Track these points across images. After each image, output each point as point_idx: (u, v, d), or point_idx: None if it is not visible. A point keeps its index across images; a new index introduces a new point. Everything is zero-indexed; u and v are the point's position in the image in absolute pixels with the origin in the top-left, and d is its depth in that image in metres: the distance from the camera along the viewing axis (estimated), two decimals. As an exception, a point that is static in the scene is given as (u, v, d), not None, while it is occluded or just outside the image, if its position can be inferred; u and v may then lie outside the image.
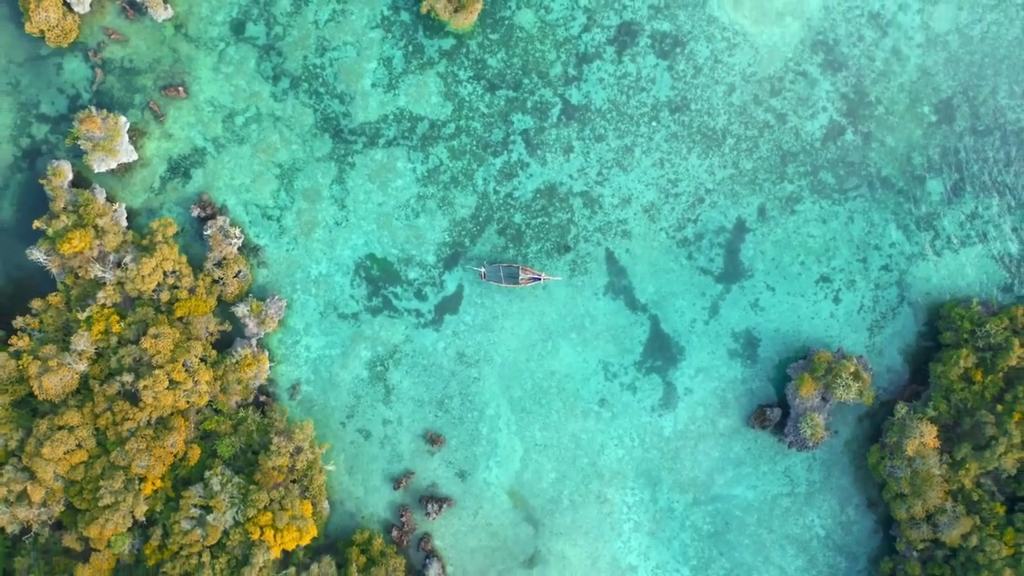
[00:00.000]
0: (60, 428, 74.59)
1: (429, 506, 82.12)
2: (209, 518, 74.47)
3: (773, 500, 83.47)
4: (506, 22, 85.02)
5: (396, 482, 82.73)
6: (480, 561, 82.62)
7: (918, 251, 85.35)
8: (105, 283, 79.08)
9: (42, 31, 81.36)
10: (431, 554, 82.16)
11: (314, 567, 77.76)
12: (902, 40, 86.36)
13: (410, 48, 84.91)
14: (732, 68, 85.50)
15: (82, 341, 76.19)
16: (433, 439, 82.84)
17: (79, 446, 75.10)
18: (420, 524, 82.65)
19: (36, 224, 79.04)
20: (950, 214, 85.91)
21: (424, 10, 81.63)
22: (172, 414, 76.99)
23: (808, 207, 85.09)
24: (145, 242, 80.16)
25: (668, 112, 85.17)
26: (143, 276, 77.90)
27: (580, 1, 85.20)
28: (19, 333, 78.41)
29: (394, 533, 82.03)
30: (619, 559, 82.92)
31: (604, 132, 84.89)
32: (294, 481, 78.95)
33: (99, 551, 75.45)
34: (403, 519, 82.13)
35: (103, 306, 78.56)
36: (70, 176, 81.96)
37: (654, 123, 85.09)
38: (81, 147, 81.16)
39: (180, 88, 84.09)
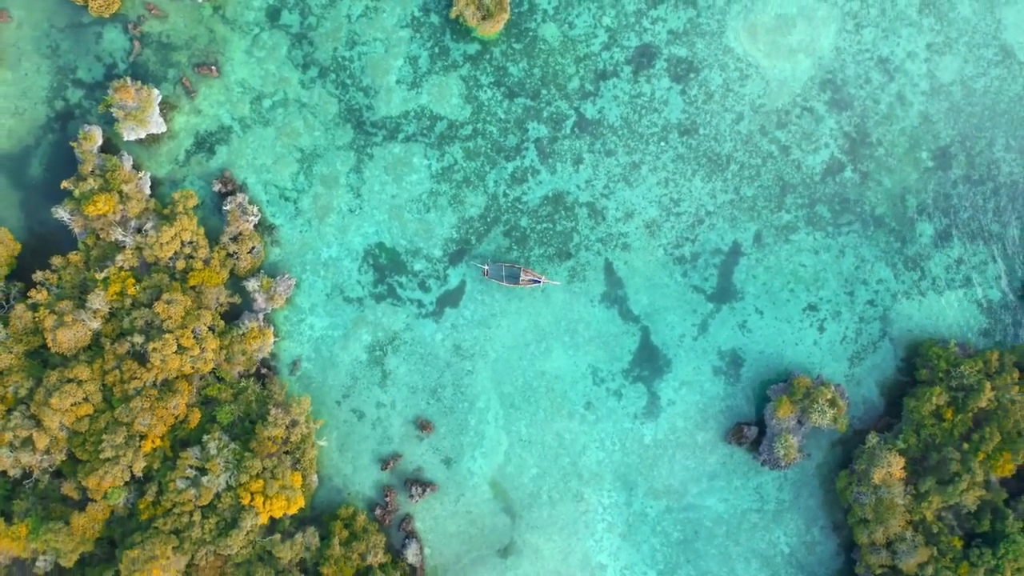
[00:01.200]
0: (69, 381, 77.86)
1: (413, 489, 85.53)
2: (203, 480, 77.84)
3: (742, 514, 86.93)
4: (530, 34, 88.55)
5: (384, 463, 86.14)
6: (457, 546, 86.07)
7: (903, 289, 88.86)
8: (124, 247, 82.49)
9: (86, 0, 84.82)
10: (411, 535, 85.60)
11: (298, 536, 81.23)
12: (907, 86, 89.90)
13: (436, 50, 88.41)
14: (742, 98, 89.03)
15: (98, 300, 79.58)
16: (423, 425, 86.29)
17: (86, 399, 78.39)
18: (403, 505, 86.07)
19: (64, 184, 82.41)
20: (937, 257, 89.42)
21: (453, 15, 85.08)
22: (177, 378, 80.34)
23: (802, 237, 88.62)
24: (166, 211, 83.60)
25: (677, 134, 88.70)
26: (161, 244, 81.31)
27: (603, 20, 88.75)
28: (38, 287, 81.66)
29: (377, 511, 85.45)
30: (590, 557, 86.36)
31: (614, 147, 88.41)
32: (287, 452, 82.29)
33: (95, 501, 78.69)
34: (387, 499, 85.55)
35: (120, 269, 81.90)
36: (100, 141, 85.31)
37: (663, 143, 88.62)
38: (113, 115, 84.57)
39: (213, 67, 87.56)
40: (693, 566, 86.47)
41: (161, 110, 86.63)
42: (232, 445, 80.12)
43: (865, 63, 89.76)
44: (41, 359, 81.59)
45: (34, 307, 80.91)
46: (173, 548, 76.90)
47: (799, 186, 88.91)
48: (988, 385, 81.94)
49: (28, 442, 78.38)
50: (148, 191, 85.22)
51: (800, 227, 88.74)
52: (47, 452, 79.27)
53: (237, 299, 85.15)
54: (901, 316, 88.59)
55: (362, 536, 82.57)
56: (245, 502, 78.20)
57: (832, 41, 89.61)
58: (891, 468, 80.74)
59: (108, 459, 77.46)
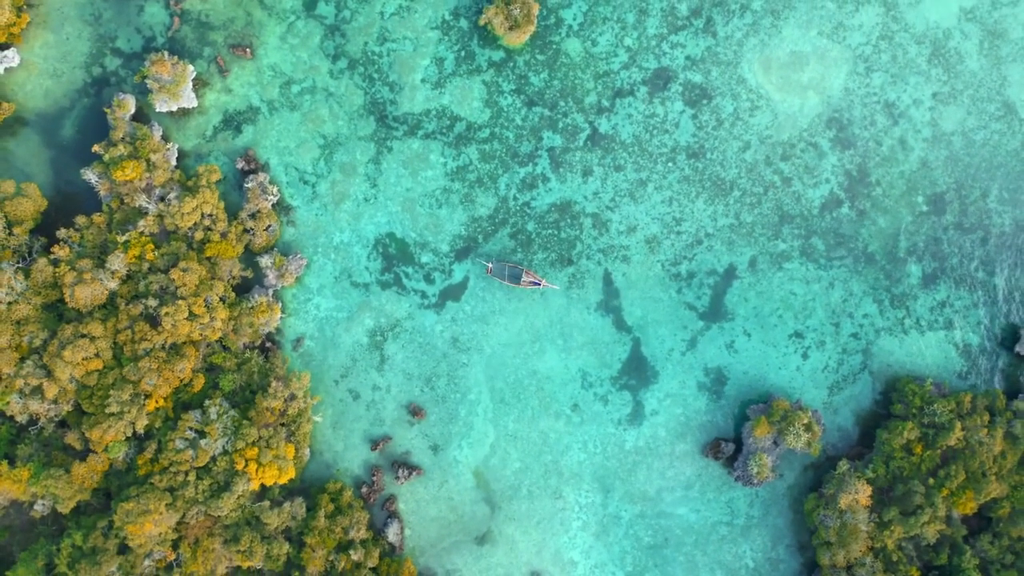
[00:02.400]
0: (83, 336, 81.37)
1: (400, 471, 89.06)
2: (201, 442, 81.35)
3: (712, 526, 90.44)
4: (554, 47, 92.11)
5: (374, 444, 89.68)
6: (436, 530, 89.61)
7: (887, 326, 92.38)
8: (147, 213, 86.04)
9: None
10: (393, 515, 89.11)
11: (286, 505, 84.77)
12: (910, 132, 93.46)
13: (463, 53, 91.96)
14: (751, 127, 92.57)
15: (117, 262, 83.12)
16: (415, 411, 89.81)
17: (97, 355, 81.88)
18: (388, 486, 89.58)
19: (95, 148, 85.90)
20: (923, 298, 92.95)
21: (482, 22, 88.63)
22: (185, 343, 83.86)
23: (795, 267, 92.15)
24: (190, 183, 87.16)
25: (685, 156, 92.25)
26: (183, 214, 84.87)
27: (625, 41, 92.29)
28: (61, 243, 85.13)
29: (363, 490, 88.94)
30: (562, 552, 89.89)
31: (624, 163, 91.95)
32: (283, 424, 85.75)
33: (96, 453, 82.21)
34: (374, 478, 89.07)
35: (141, 234, 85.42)
36: (132, 110, 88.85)
37: (670, 164, 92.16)
38: (147, 86, 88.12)
39: (247, 49, 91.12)
40: (660, 571, 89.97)
41: (194, 86, 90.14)
42: (232, 412, 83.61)
43: (872, 106, 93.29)
44: (57, 313, 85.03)
45: (55, 262, 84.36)
46: (166, 505, 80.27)
47: (797, 217, 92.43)
48: (958, 425, 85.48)
49: (38, 391, 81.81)
50: (174, 162, 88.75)
51: (794, 257, 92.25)
52: (55, 402, 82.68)
53: (249, 273, 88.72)
54: (883, 351, 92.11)
55: (347, 511, 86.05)
56: (239, 468, 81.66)
57: (842, 82, 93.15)
58: (858, 495, 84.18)
59: (113, 414, 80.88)
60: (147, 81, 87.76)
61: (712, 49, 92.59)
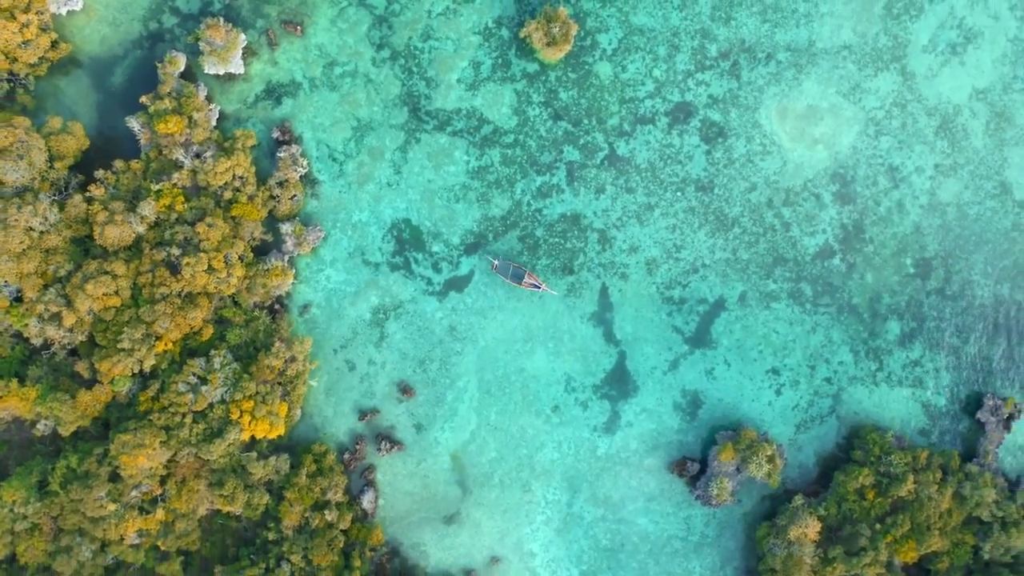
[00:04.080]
0: (105, 272, 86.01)
1: (382, 444, 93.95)
2: (202, 389, 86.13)
3: (667, 539, 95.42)
4: (586, 67, 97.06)
5: (362, 415, 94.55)
6: (408, 504, 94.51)
7: (860, 376, 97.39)
8: (182, 167, 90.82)
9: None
10: (370, 484, 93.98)
11: (272, 459, 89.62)
12: (908, 197, 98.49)
13: (499, 60, 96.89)
14: (759, 170, 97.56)
15: (148, 208, 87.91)
16: (405, 390, 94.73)
17: (116, 293, 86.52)
18: (370, 456, 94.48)
19: (143, 99, 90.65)
20: (898, 354, 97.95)
21: (522, 35, 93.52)
22: (200, 293, 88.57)
23: (782, 307, 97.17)
24: (226, 144, 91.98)
25: (694, 188, 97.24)
26: (216, 172, 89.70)
27: (653, 72, 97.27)
28: (97, 183, 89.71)
29: (345, 456, 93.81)
30: (523, 543, 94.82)
31: (635, 186, 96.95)
32: (280, 384, 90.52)
33: (102, 384, 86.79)
34: (357, 447, 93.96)
35: (174, 185, 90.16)
36: (182, 68, 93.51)
37: (679, 193, 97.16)
38: (199, 47, 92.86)
39: (298, 27, 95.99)
40: (612, 574, 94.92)
41: (243, 54, 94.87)
42: (234, 365, 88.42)
43: (876, 167, 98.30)
44: (84, 248, 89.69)
45: (89, 200, 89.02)
46: (160, 442, 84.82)
47: (790, 261, 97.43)
48: (912, 478, 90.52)
49: (56, 318, 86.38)
50: (214, 123, 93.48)
51: (782, 298, 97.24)
52: (70, 330, 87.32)
53: (269, 237, 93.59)
54: (852, 399, 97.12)
55: (327, 473, 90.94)
56: (233, 417, 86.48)
57: (852, 140, 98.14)
58: (808, 529, 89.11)
59: (123, 350, 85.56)
60: (200, 43, 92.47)
61: (734, 91, 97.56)
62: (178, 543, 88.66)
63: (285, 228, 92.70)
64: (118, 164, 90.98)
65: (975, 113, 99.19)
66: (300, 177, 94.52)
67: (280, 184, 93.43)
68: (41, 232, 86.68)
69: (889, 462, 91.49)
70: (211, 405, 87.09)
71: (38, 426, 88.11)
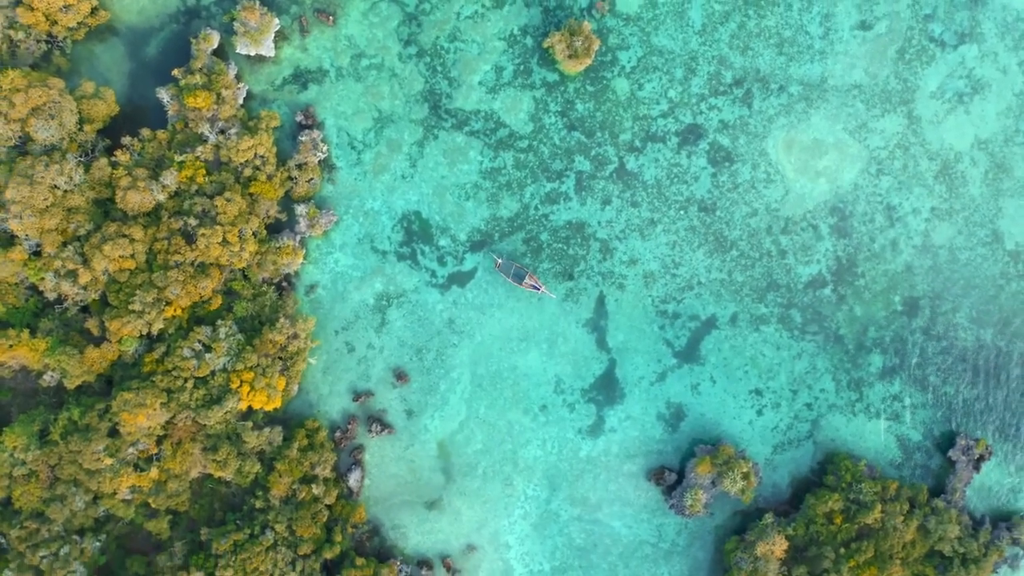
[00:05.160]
0: (123, 236, 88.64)
1: (373, 426, 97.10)
2: (206, 356, 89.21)
3: (639, 544, 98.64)
4: (604, 82, 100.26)
5: (356, 396, 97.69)
6: (393, 486, 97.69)
7: (840, 404, 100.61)
8: (206, 141, 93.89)
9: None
10: (358, 463, 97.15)
11: (266, 430, 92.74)
12: (903, 236, 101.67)
13: (521, 67, 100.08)
14: (761, 197, 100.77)
15: (170, 177, 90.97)
16: (400, 376, 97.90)
17: (132, 256, 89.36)
18: (360, 437, 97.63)
19: (175, 72, 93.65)
20: (878, 387, 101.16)
21: (545, 45, 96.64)
22: (213, 264, 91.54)
23: (770, 331, 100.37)
24: (251, 123, 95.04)
25: (696, 208, 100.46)
26: (238, 149, 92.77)
27: (669, 92, 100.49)
28: (123, 149, 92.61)
29: (337, 434, 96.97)
30: (500, 534, 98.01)
31: (640, 201, 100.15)
32: (280, 358, 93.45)
33: (110, 343, 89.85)
34: (349, 427, 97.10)
35: (197, 158, 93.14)
36: (215, 45, 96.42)
37: (682, 212, 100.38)
38: (234, 27, 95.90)
39: (331, 16, 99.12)
40: (583, 572, 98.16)
41: (275, 37, 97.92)
42: (238, 336, 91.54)
43: (874, 204, 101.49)
44: (105, 210, 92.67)
45: (114, 165, 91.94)
46: (161, 403, 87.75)
47: (783, 287, 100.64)
48: (879, 507, 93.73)
49: (72, 275, 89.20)
50: (241, 101, 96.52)
51: (772, 322, 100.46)
52: (84, 288, 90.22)
53: (284, 217, 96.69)
54: (830, 426, 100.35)
55: (318, 449, 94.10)
56: (233, 386, 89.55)
57: (853, 177, 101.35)
58: (774, 546, 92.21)
59: (133, 311, 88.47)
60: (234, 23, 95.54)
61: (745, 119, 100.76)
62: (168, 502, 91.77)
63: (300, 209, 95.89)
64: (145, 132, 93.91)
65: (975, 162, 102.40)
66: (319, 161, 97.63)
67: (299, 166, 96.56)
68: (65, 191, 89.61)
69: (859, 490, 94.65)
70: (213, 372, 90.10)
71: (44, 377, 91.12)
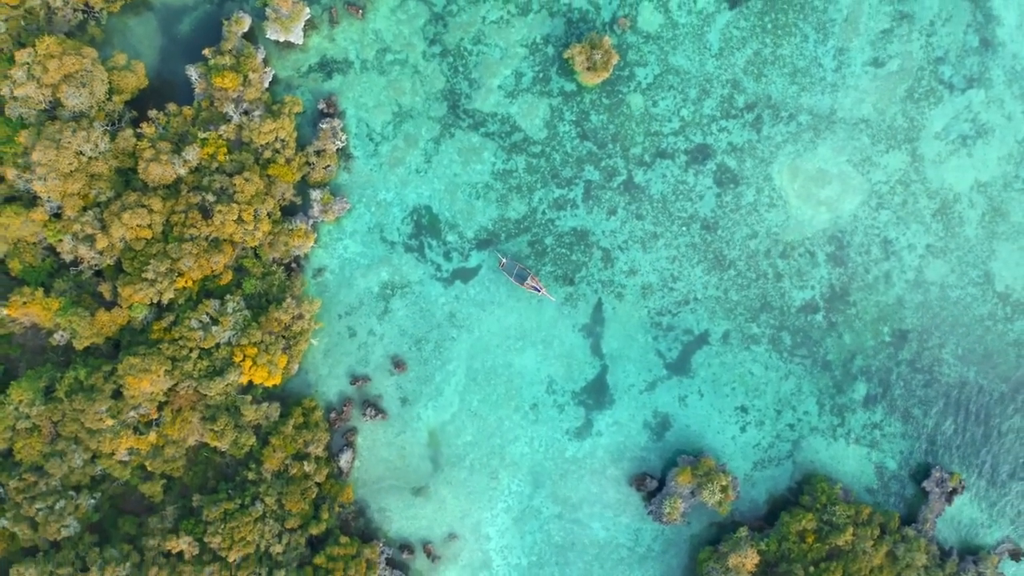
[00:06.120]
0: (143, 206, 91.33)
1: (367, 410, 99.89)
2: (212, 328, 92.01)
3: (615, 546, 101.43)
4: (620, 96, 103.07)
5: (354, 380, 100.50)
6: (382, 470, 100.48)
7: (821, 428, 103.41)
8: (230, 121, 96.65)
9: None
10: (350, 445, 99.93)
11: (264, 405, 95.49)
12: (896, 270, 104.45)
13: (540, 75, 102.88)
14: (763, 220, 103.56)
15: (192, 153, 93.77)
16: (398, 364, 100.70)
17: (149, 226, 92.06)
18: (354, 419, 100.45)
19: (205, 51, 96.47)
20: (860, 414, 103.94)
21: (565, 56, 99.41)
22: (226, 241, 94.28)
23: (760, 351, 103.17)
24: (274, 107, 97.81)
25: (699, 226, 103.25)
26: (260, 131, 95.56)
27: (681, 111, 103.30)
28: (149, 122, 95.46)
29: (332, 415, 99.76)
30: (482, 526, 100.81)
31: (644, 214, 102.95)
32: (284, 337, 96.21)
33: (121, 308, 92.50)
34: (344, 409, 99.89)
35: (219, 136, 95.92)
36: (246, 29, 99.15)
37: (684, 228, 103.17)
38: (265, 12, 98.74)
39: (360, 10, 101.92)
40: (559, 569, 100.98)
41: (304, 26, 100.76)
42: (245, 312, 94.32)
43: (872, 236, 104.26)
44: (126, 179, 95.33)
45: (139, 136, 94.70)
46: (165, 371, 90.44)
47: (776, 310, 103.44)
48: (851, 530, 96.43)
49: (89, 239, 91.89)
50: (266, 85, 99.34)
51: (762, 342, 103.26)
52: (100, 253, 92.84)
53: (298, 200, 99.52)
54: (810, 448, 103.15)
55: (312, 428, 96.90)
56: (236, 360, 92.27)
57: (853, 208, 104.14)
58: (746, 559, 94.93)
59: (146, 279, 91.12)
60: (266, 8, 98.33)
61: (752, 143, 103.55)
62: (164, 467, 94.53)
63: (314, 194, 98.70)
64: (171, 107, 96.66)
65: (973, 203, 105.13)
66: (337, 150, 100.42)
67: (317, 153, 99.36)
68: (90, 158, 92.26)
69: (833, 512, 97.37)
70: (218, 345, 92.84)
71: (55, 336, 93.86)
